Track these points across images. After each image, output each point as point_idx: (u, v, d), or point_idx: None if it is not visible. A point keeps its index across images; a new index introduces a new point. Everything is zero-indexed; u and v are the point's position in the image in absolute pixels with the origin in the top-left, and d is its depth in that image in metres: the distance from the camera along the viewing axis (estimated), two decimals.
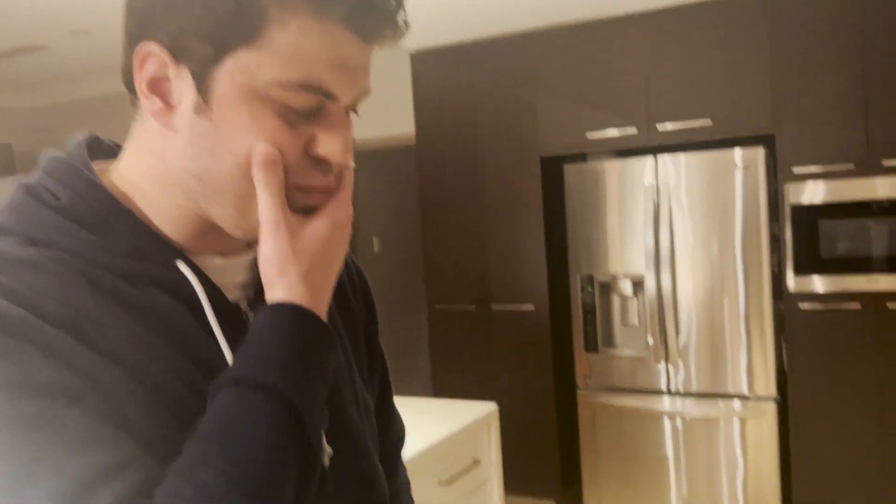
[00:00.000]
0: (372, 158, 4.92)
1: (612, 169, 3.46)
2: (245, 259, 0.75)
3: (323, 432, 0.73)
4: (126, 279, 0.66)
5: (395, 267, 5.38)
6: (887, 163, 2.98)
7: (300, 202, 0.68)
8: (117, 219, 0.68)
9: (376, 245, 5.35)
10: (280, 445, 0.61)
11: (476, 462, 2.41)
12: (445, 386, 3.94)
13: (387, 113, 4.40)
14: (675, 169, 3.31)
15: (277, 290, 0.67)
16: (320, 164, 0.68)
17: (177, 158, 0.67)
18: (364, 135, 4.55)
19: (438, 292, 3.96)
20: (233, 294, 0.73)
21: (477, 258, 3.85)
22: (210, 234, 0.71)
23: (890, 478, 3.04)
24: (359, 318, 0.89)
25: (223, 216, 0.68)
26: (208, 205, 0.68)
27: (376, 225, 5.30)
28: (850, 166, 3.04)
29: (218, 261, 0.73)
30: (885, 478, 3.05)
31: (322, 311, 0.68)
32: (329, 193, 0.70)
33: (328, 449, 0.74)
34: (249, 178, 0.65)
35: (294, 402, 0.62)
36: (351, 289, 0.89)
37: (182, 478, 0.57)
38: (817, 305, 3.12)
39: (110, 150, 0.77)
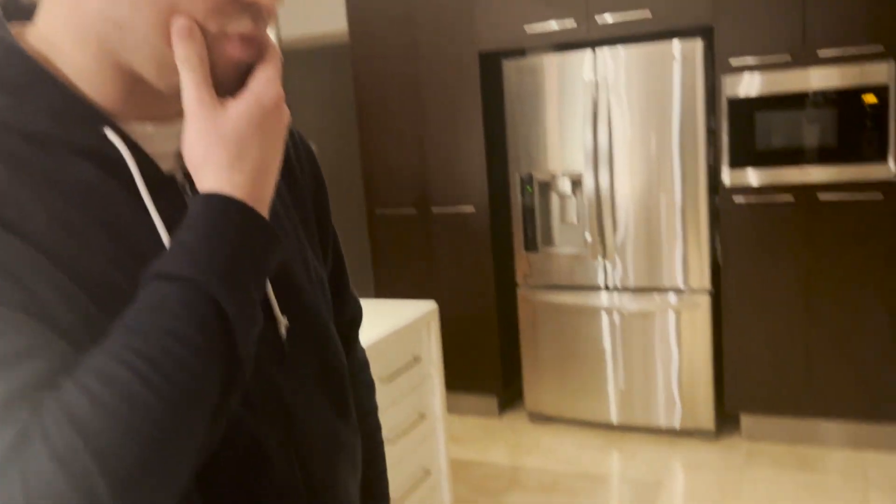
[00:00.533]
0: (305, 59, 4.73)
1: (551, 64, 3.39)
2: (180, 126, 0.68)
3: (276, 306, 0.72)
4: (45, 148, 0.60)
5: (332, 172, 5.26)
6: (823, 53, 2.98)
7: (228, 56, 0.62)
8: (35, 82, 0.61)
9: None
10: (201, 344, 0.56)
11: (416, 359, 2.42)
12: (387, 290, 3.93)
13: (318, 9, 4.21)
14: (613, 63, 3.26)
15: (205, 178, 0.61)
16: (249, 8, 0.62)
17: (93, 3, 0.60)
18: (296, 33, 4.36)
19: (378, 197, 3.90)
20: (167, 164, 0.67)
21: (416, 160, 3.78)
22: (138, 95, 0.65)
23: (815, 363, 3.18)
24: (306, 189, 0.85)
25: (145, 69, 0.62)
26: (129, 54, 0.62)
27: (312, 129, 5.15)
28: (787, 57, 3.03)
29: (150, 128, 0.67)
30: (811, 364, 3.18)
31: (261, 203, 0.62)
32: (259, 46, 0.64)
33: (283, 320, 0.72)
34: (170, 44, 0.60)
35: (219, 299, 0.57)
36: (296, 157, 0.85)
37: (91, 370, 0.53)
38: (751, 199, 3.17)
39: (29, 12, 0.69)
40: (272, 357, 0.71)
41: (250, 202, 0.61)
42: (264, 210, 0.63)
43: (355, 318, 0.96)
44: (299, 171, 0.85)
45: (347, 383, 0.82)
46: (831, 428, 3.23)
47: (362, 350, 0.99)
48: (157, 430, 0.52)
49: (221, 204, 0.60)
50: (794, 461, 3.14)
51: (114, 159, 0.63)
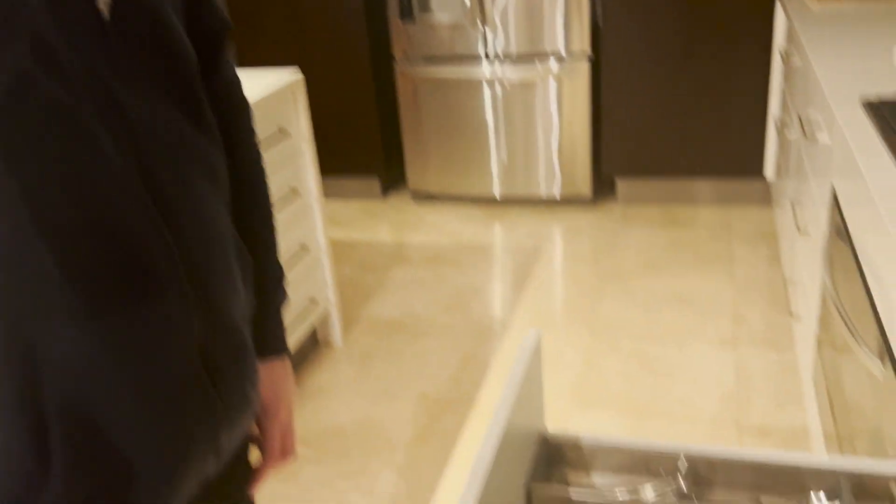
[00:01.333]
0: None
1: None
2: None
3: None
4: None
5: None
6: None
7: None
8: None
9: None
10: None
11: (283, 132, 2.27)
12: (250, 66, 3.65)
13: None
14: None
15: None
16: None
17: None
18: None
19: None
20: None
21: None
22: None
23: (689, 124, 3.22)
24: None
25: None
26: None
27: None
28: None
29: None
30: (685, 125, 3.22)
31: None
32: None
33: None
34: None
35: None
36: None
37: None
38: None
39: None
40: (88, 31, 0.61)
41: None
42: None
43: (220, 29, 0.83)
44: None
45: (197, 84, 0.72)
46: (701, 186, 3.35)
47: (232, 66, 0.86)
48: None
49: None
50: (665, 220, 3.27)
51: None
